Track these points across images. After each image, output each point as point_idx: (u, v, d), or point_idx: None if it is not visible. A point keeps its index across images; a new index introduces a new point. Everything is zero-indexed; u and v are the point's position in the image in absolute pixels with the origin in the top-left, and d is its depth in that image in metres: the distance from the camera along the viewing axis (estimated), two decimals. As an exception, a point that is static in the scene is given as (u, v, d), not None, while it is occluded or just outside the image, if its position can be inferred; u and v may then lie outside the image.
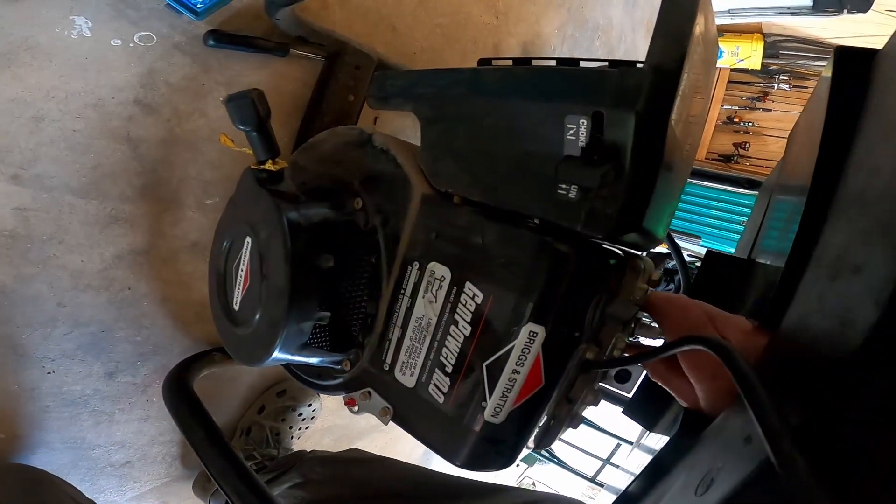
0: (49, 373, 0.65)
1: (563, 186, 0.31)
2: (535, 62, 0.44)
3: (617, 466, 3.02)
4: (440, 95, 0.40)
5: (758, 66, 2.92)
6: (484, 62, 0.44)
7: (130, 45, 0.59)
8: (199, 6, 0.57)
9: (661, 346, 0.33)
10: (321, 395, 0.92)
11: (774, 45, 2.89)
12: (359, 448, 0.88)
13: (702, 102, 0.42)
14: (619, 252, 0.38)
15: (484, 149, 0.37)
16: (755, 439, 0.21)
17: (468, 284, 0.36)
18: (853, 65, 0.33)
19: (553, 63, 0.37)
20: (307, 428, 0.92)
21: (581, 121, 0.31)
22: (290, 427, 0.87)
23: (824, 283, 0.25)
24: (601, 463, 3.13)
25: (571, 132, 0.32)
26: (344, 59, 0.72)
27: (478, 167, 0.37)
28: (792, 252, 0.31)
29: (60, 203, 0.59)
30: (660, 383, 0.40)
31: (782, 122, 2.99)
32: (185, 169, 0.65)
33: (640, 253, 0.41)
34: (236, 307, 0.50)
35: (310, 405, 0.89)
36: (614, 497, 0.37)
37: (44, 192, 0.58)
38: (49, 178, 0.58)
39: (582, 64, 0.40)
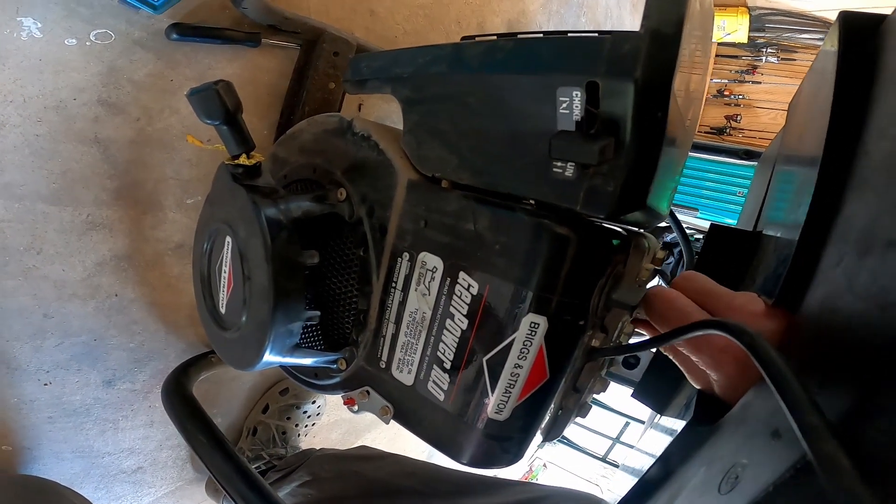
0: (46, 384, 0.63)
1: (559, 164, 0.29)
2: (520, 36, 0.41)
3: (628, 445, 3.03)
4: (420, 74, 0.37)
5: (745, 40, 2.89)
6: (467, 39, 0.41)
7: (87, 43, 0.56)
8: (156, 0, 0.53)
9: (669, 333, 0.31)
10: (323, 392, 0.91)
11: (760, 19, 2.85)
12: (367, 444, 0.87)
13: (701, 72, 0.39)
14: (623, 231, 0.36)
15: (471, 129, 0.34)
16: (784, 434, 0.19)
17: (462, 275, 0.34)
18: (861, 30, 0.31)
19: (540, 36, 0.34)
20: (313, 425, 0.91)
21: (574, 93, 0.29)
22: (296, 425, 0.86)
23: (852, 260, 0.23)
24: (611, 442, 3.14)
25: (564, 106, 0.29)
26: (321, 46, 0.69)
27: (465, 149, 0.34)
28: (806, 225, 0.29)
29: (33, 212, 0.57)
30: (673, 359, 0.38)
31: (773, 95, 2.97)
32: (161, 169, 0.62)
33: (642, 231, 0.39)
34: (223, 310, 0.48)
35: (314, 402, 0.88)
36: (629, 477, 0.35)
37: (14, 201, 0.56)
38: (18, 186, 0.55)
39: (571, 35, 0.37)
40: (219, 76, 0.65)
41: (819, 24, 2.62)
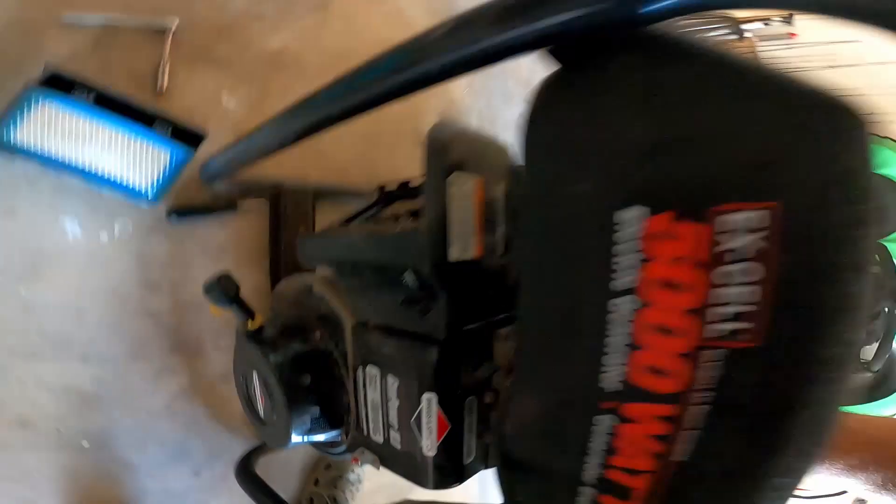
0: (152, 477, 0.88)
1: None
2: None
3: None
4: (339, 257, 0.61)
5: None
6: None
7: (115, 235, 0.78)
8: (149, 194, 0.75)
9: None
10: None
11: (672, 24, 2.95)
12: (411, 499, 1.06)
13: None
14: (485, 326, 0.58)
15: (372, 292, 0.58)
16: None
17: (389, 376, 0.57)
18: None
19: (394, 227, 0.57)
20: (358, 491, 1.09)
21: (409, 272, 0.52)
22: (344, 492, 1.04)
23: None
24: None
25: (406, 280, 0.52)
26: (283, 197, 0.90)
27: (374, 304, 0.58)
28: None
29: (121, 369, 0.83)
30: None
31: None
32: (197, 325, 0.88)
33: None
34: (262, 414, 0.72)
35: (353, 471, 1.07)
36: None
37: (107, 363, 0.81)
38: (107, 353, 0.80)
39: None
40: (216, 243, 0.90)
41: (725, 19, 2.67)
